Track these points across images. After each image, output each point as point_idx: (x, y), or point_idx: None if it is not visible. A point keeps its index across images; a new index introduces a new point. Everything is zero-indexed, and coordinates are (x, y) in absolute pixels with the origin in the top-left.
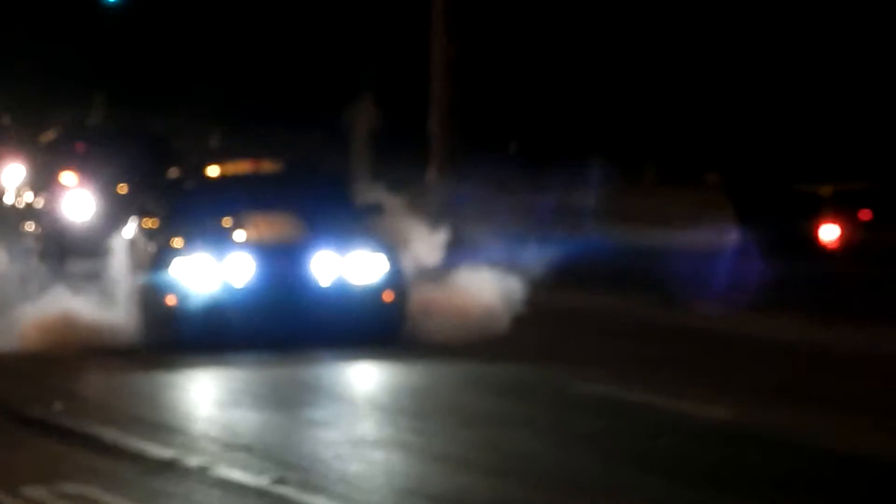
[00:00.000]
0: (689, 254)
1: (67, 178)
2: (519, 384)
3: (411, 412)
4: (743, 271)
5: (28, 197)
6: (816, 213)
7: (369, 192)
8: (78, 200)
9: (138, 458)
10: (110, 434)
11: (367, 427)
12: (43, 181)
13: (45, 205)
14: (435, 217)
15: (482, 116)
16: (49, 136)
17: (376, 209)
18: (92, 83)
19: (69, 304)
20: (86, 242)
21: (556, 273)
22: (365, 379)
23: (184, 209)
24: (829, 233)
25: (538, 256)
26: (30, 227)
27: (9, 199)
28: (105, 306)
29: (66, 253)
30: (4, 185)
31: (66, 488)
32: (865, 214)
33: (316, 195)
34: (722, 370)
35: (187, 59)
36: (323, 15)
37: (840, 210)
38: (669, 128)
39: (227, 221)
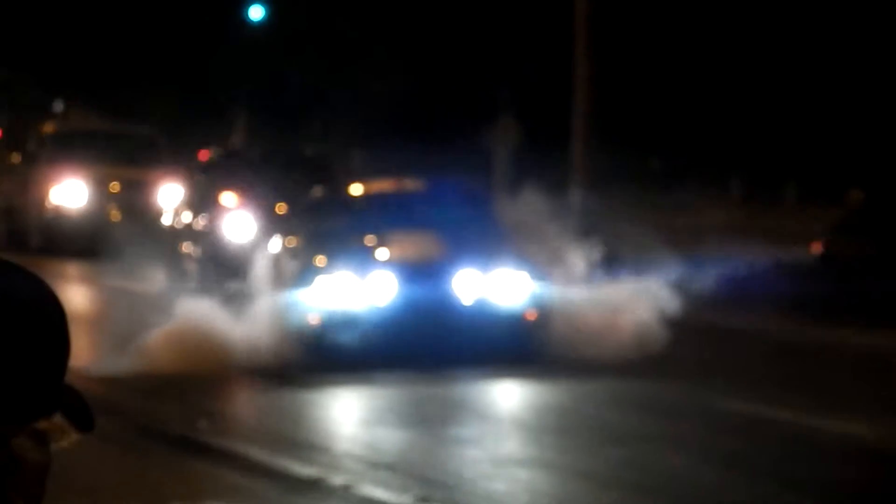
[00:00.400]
0: (828, 271)
1: (228, 198)
2: (663, 402)
3: (555, 430)
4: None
5: (186, 217)
6: None
7: (513, 210)
8: (239, 221)
9: (282, 477)
10: (254, 452)
11: (512, 445)
12: (202, 202)
13: (205, 226)
14: (580, 233)
15: (624, 131)
16: (208, 156)
17: (520, 227)
18: (229, 103)
19: (212, 322)
20: (244, 263)
21: (700, 291)
22: (508, 397)
23: (327, 227)
24: None
25: (684, 274)
26: (188, 248)
27: (167, 220)
28: (248, 324)
29: (225, 274)
30: (162, 205)
31: None
32: None
33: (458, 213)
34: (869, 390)
35: (324, 78)
36: (463, 32)
37: None
38: (811, 146)
39: (369, 240)
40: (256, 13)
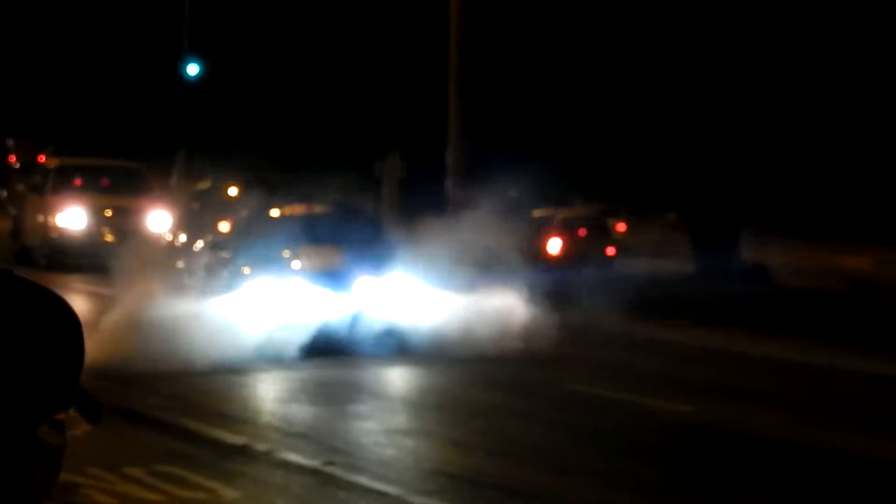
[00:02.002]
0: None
1: (223, 225)
2: (524, 384)
3: (434, 406)
4: None
5: (182, 238)
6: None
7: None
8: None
9: (216, 444)
10: (193, 424)
11: (399, 419)
12: (199, 226)
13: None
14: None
15: (489, 167)
16: (204, 185)
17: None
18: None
19: (167, 317)
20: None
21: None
22: (397, 379)
23: (251, 242)
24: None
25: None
26: (181, 264)
27: (164, 240)
28: (190, 320)
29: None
30: (150, 228)
31: (158, 468)
32: (582, 232)
33: (356, 232)
34: (704, 378)
35: (249, 121)
36: (364, 86)
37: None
38: (638, 171)
39: (286, 253)
40: (192, 69)
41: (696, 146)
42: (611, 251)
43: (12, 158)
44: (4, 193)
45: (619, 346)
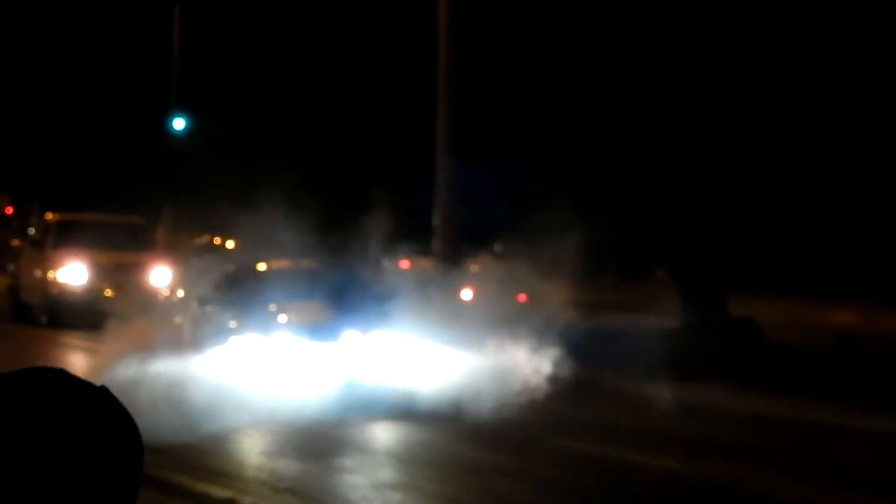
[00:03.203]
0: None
1: (210, 280)
2: (514, 440)
3: (423, 461)
4: None
5: (180, 293)
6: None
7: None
8: None
9: (202, 499)
10: (181, 479)
11: (387, 473)
12: (196, 281)
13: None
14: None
15: (472, 226)
16: (202, 239)
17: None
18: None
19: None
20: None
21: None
22: (385, 434)
23: (237, 296)
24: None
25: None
26: (178, 320)
27: (162, 295)
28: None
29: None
30: (152, 284)
31: None
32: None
33: (343, 286)
34: (690, 433)
35: (236, 177)
36: (347, 142)
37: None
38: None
39: (272, 307)
40: (179, 124)
41: (683, 203)
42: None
43: None
44: None
45: (609, 401)
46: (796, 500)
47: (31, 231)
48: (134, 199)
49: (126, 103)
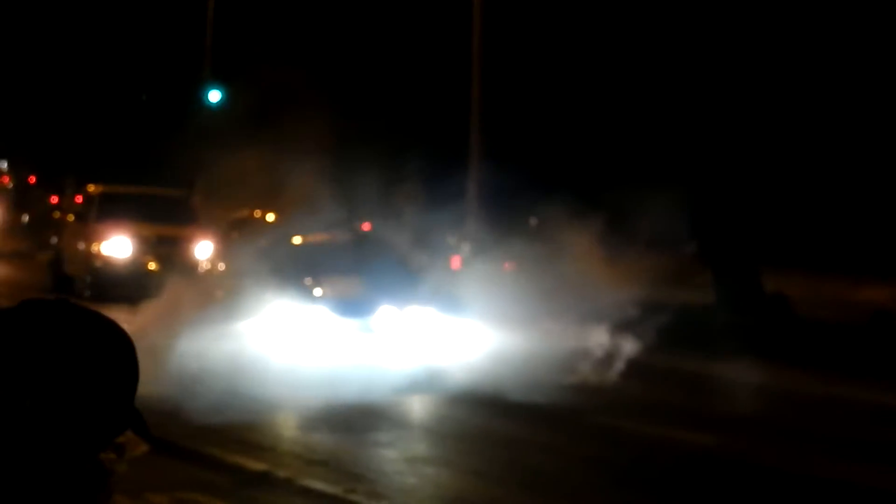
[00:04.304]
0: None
1: (248, 252)
2: (543, 414)
3: (455, 435)
4: None
5: (221, 267)
6: None
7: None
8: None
9: (238, 471)
10: (216, 452)
11: (420, 447)
12: (236, 254)
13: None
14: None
15: (508, 195)
16: (242, 213)
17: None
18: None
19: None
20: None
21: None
22: (418, 409)
23: (273, 270)
24: None
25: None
26: (220, 293)
27: (202, 268)
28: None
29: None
30: (197, 258)
31: (181, 495)
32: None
33: (377, 261)
34: (721, 408)
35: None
36: (382, 117)
37: None
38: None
39: (307, 281)
40: (214, 96)
41: (718, 177)
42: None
43: (6, 180)
44: (27, 217)
45: (642, 377)
46: (827, 477)
47: (71, 204)
48: (168, 172)
49: (159, 76)
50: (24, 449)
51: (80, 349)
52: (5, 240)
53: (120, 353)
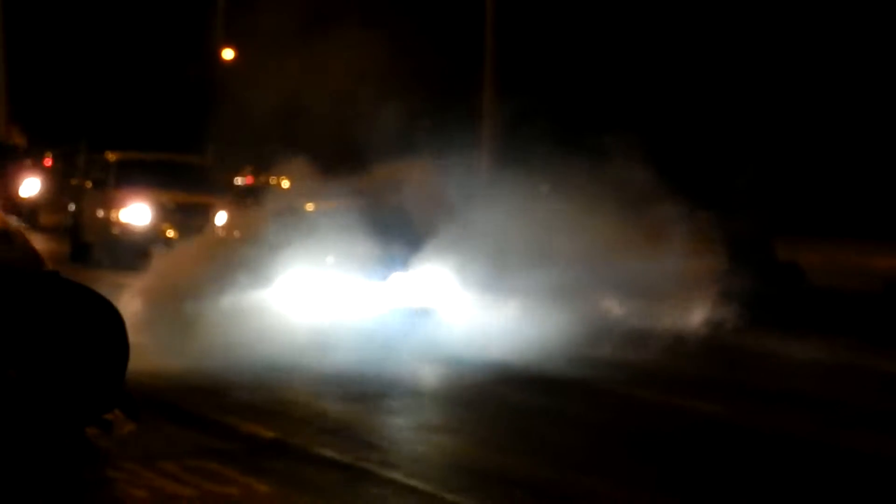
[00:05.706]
0: None
1: (261, 219)
2: (552, 382)
3: (464, 403)
4: None
5: (237, 234)
6: None
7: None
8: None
9: (249, 439)
10: (227, 419)
11: (430, 415)
12: (251, 221)
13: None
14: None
15: (521, 163)
16: (247, 179)
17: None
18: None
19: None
20: None
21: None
22: (431, 376)
23: (285, 237)
24: None
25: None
26: (233, 260)
27: (219, 235)
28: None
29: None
30: (215, 224)
31: (192, 463)
32: None
33: (390, 227)
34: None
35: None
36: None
37: None
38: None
39: (320, 247)
40: (228, 54)
41: (730, 145)
42: None
43: (19, 140)
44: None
45: (656, 345)
46: (837, 445)
47: (85, 170)
48: (178, 137)
49: (170, 37)
50: (8, 419)
51: (67, 323)
52: (48, 214)
53: (108, 330)
